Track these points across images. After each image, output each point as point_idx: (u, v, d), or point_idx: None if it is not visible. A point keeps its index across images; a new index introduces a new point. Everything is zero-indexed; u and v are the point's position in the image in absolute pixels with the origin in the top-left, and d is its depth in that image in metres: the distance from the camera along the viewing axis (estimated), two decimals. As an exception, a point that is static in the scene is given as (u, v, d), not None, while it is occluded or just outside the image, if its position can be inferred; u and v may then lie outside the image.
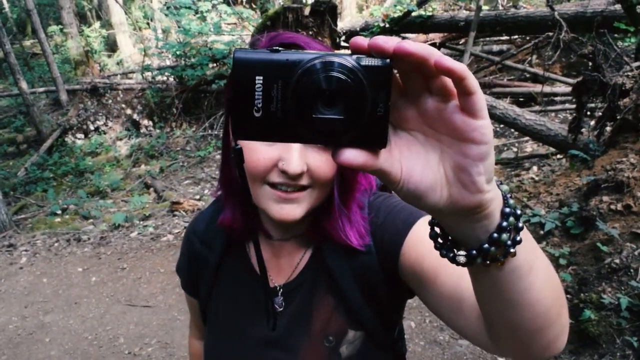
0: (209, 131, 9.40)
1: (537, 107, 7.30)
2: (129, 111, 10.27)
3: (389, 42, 0.43)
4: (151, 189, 7.65)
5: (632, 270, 2.97)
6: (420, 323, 3.53)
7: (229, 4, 11.57)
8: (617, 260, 3.05)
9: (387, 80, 0.44)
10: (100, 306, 4.31)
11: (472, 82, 0.43)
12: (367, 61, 0.44)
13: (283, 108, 0.45)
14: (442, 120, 0.46)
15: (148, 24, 16.45)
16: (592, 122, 5.13)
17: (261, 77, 0.45)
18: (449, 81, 0.44)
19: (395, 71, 0.46)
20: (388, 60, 0.44)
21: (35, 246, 5.71)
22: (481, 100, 0.44)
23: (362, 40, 0.45)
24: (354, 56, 0.44)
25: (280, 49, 0.45)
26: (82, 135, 10.25)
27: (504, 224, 0.50)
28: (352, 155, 0.45)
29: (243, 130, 0.47)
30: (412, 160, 0.48)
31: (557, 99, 7.82)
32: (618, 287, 2.96)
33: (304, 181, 0.85)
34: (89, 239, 5.73)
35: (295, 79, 0.44)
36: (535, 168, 5.64)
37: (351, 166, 0.45)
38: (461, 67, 0.42)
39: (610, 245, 3.19)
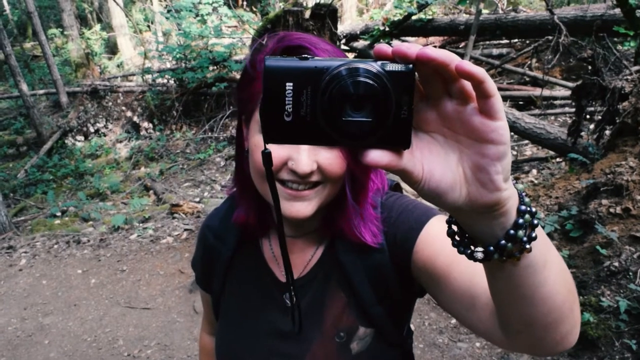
0: (209, 134, 9.40)
1: (536, 111, 7.31)
2: (129, 113, 10.28)
3: (412, 49, 0.45)
4: (151, 192, 7.65)
5: (631, 273, 2.97)
6: (419, 325, 3.53)
7: (229, 7, 11.60)
8: (616, 263, 3.05)
9: (410, 84, 0.47)
10: (99, 308, 4.30)
11: (491, 85, 0.45)
12: (391, 67, 0.47)
13: (312, 112, 0.47)
14: (461, 122, 0.49)
15: (149, 26, 16.50)
16: (592, 126, 5.15)
17: (291, 84, 0.47)
18: (468, 84, 0.47)
19: (416, 76, 0.49)
20: (411, 66, 0.46)
21: (34, 248, 5.71)
22: (499, 102, 0.46)
23: (386, 47, 0.47)
24: (379, 62, 0.47)
25: (308, 56, 0.48)
26: (82, 138, 10.26)
27: (520, 221, 0.52)
28: (378, 156, 0.47)
29: (274, 134, 0.49)
30: (432, 160, 0.50)
31: (557, 102, 7.84)
32: (617, 290, 2.96)
33: (315, 177, 0.86)
34: (88, 241, 5.73)
35: (324, 84, 0.46)
36: (534, 171, 5.65)
37: (377, 166, 0.48)
38: (480, 71, 0.45)
39: (610, 249, 3.19)
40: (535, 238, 0.54)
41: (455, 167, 0.50)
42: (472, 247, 0.56)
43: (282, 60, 0.48)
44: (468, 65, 0.44)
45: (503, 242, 0.52)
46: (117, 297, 4.45)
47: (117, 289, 4.61)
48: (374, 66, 0.46)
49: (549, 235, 3.63)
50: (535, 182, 5.07)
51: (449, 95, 0.49)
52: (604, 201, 3.48)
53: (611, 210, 3.38)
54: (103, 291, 4.59)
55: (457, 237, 0.58)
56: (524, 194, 0.54)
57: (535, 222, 0.54)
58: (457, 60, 0.45)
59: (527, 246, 0.53)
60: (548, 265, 0.58)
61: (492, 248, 0.53)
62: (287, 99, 0.47)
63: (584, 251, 3.34)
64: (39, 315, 4.27)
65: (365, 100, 0.46)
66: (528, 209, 0.53)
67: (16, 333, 4.04)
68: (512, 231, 0.52)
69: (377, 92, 0.46)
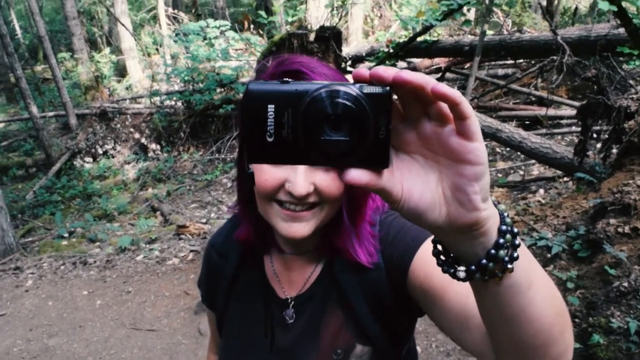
0: (216, 155, 9.46)
1: (543, 130, 7.30)
2: (137, 135, 10.38)
3: (388, 72, 0.47)
4: (158, 213, 7.67)
5: (641, 294, 2.93)
6: (426, 348, 3.48)
7: (236, 31, 11.76)
8: (626, 284, 3.01)
9: (387, 106, 0.48)
10: (104, 330, 4.29)
11: (467, 107, 0.46)
12: (369, 89, 0.48)
13: (293, 133, 0.49)
14: (439, 143, 0.50)
15: (157, 49, 16.74)
16: (598, 145, 5.13)
17: (273, 106, 0.49)
18: (445, 107, 0.48)
19: (397, 98, 0.50)
20: (388, 88, 0.48)
21: (41, 269, 5.72)
22: (475, 124, 0.48)
23: (364, 71, 0.49)
24: (357, 85, 0.49)
25: (289, 80, 0.50)
26: (91, 159, 10.35)
27: (501, 240, 0.53)
28: (357, 175, 0.49)
29: (257, 154, 0.51)
30: (412, 180, 0.52)
31: (563, 122, 7.83)
32: (627, 310, 2.92)
33: (312, 199, 0.88)
34: (95, 262, 5.73)
35: (304, 106, 0.48)
36: (541, 191, 5.62)
37: (356, 185, 0.49)
38: (455, 94, 0.46)
39: (619, 269, 3.15)
40: (517, 258, 0.54)
41: (435, 187, 0.51)
42: (456, 267, 0.56)
43: (265, 84, 0.50)
44: (443, 87, 0.45)
45: (484, 261, 0.53)
46: (123, 319, 4.43)
47: (123, 310, 4.59)
48: (353, 89, 0.48)
49: (557, 255, 3.60)
50: (543, 201, 5.04)
51: (428, 116, 0.50)
52: (612, 220, 3.45)
53: (619, 229, 3.35)
54: (108, 312, 4.57)
55: (442, 257, 0.59)
56: (505, 214, 0.55)
57: (517, 242, 0.54)
58: (432, 82, 0.46)
59: (509, 266, 0.54)
60: (534, 286, 0.58)
61: (473, 267, 0.54)
62: (268, 120, 0.49)
63: (593, 271, 3.30)
64: (44, 337, 4.26)
65: (343, 120, 0.48)
66: (509, 229, 0.53)
67: (21, 354, 4.03)
68: (493, 251, 0.52)
69: (354, 112, 0.47)
